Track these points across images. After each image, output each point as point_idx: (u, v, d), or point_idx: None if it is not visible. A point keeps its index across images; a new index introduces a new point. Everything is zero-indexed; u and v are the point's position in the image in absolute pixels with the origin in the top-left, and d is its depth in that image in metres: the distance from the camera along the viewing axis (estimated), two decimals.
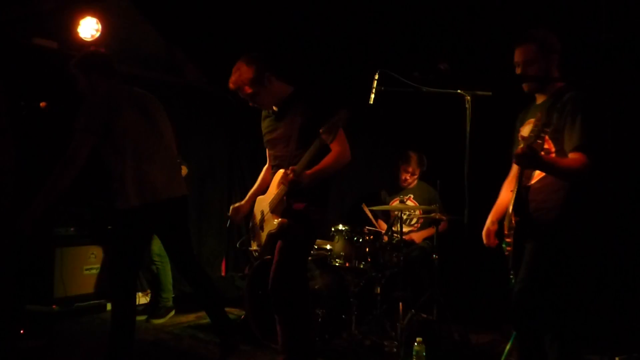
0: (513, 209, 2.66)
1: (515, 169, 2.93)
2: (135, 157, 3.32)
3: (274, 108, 3.16)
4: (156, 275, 4.84)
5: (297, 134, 3.01)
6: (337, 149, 2.97)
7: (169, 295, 4.86)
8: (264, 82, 3.03)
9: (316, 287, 4.06)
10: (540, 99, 2.83)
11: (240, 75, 3.04)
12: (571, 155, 2.51)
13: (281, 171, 2.98)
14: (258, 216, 3.26)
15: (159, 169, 3.36)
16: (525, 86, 2.81)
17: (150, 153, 3.36)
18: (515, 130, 2.98)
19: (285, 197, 2.95)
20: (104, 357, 3.25)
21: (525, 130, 2.75)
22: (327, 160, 2.96)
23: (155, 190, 3.30)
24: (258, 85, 3.03)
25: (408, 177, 4.78)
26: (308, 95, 3.11)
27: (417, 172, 4.79)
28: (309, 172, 2.89)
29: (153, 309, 4.83)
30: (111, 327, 3.24)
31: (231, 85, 3.10)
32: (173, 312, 4.85)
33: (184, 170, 4.58)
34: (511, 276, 2.71)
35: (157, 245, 4.71)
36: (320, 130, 2.74)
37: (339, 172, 3.05)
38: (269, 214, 3.06)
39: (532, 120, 2.60)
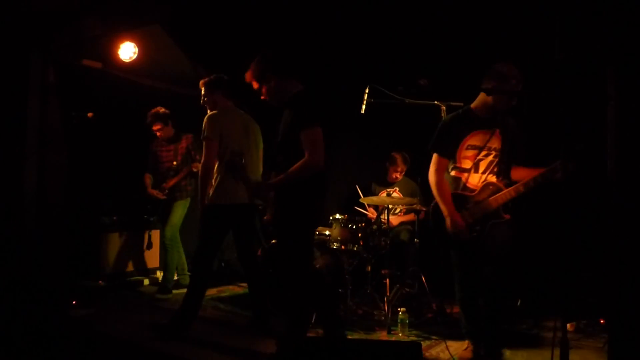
0: None
1: None
2: None
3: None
4: (164, 256, 4.76)
5: (283, 133, 2.79)
6: (306, 156, 2.65)
7: (171, 276, 4.66)
8: (265, 79, 2.85)
9: (317, 266, 4.04)
10: None
11: (250, 71, 2.93)
12: None
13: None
14: None
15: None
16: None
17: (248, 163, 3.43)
18: None
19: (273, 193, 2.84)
20: (175, 315, 3.41)
21: None
22: (295, 166, 2.67)
23: (236, 195, 3.40)
24: (261, 81, 2.88)
25: (398, 175, 4.75)
26: (300, 98, 2.79)
27: (404, 168, 4.76)
28: (274, 180, 2.78)
29: (159, 285, 4.75)
30: (186, 293, 3.47)
31: (246, 79, 2.97)
32: (171, 294, 4.58)
33: None
34: None
35: (170, 231, 4.65)
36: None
37: (307, 176, 2.67)
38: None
39: None
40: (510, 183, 2.92)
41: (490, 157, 2.94)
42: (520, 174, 2.93)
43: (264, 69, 2.85)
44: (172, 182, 4.66)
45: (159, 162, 4.77)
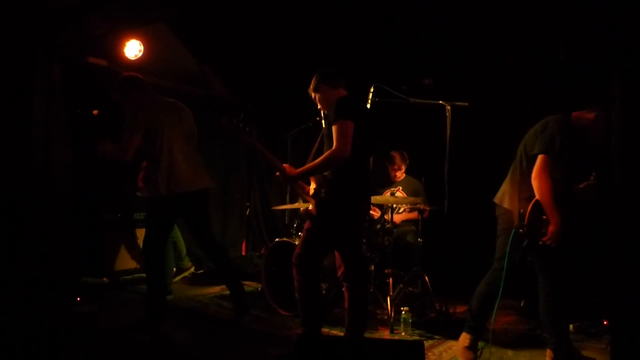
0: None
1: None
2: (169, 154, 3.37)
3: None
4: None
5: (326, 135, 2.96)
6: (333, 146, 2.78)
7: (167, 276, 4.48)
8: (319, 90, 3.06)
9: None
10: None
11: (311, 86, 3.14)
12: None
13: None
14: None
15: (186, 165, 3.42)
16: None
17: (180, 151, 3.41)
18: None
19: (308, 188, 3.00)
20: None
21: None
22: (319, 158, 2.83)
23: (179, 183, 3.39)
24: (315, 92, 3.09)
25: (397, 173, 4.77)
26: (339, 99, 2.95)
27: (403, 166, 4.76)
28: (296, 170, 2.91)
29: None
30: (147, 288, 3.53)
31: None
32: (171, 295, 4.47)
33: None
34: None
35: None
36: None
37: (333, 166, 2.82)
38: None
39: None
40: None
41: None
42: None
43: (318, 82, 3.08)
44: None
45: None
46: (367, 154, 3.01)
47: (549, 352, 2.92)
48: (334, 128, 2.79)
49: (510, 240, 2.86)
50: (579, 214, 2.83)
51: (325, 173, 2.91)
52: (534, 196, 2.81)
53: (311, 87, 3.12)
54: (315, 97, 3.12)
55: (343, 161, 2.77)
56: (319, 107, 3.15)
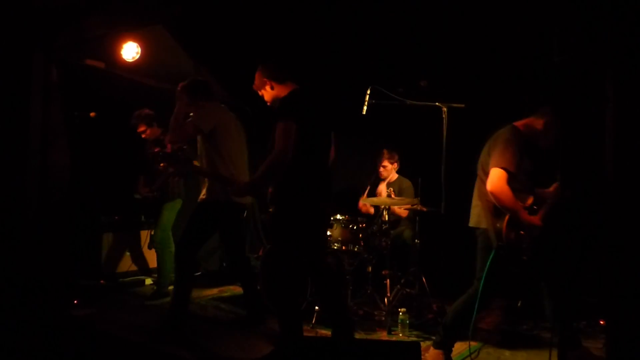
0: None
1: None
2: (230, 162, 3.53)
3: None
4: (159, 259, 4.65)
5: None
6: (273, 150, 2.65)
7: (164, 280, 4.50)
8: (264, 87, 2.99)
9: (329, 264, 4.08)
10: None
11: (255, 82, 3.07)
12: None
13: None
14: None
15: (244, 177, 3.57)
16: None
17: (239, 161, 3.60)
18: None
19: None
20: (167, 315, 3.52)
21: None
22: (262, 165, 2.70)
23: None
24: (260, 89, 3.02)
25: (381, 169, 4.77)
26: (285, 96, 2.86)
27: (387, 163, 4.75)
28: (249, 180, 2.90)
29: (154, 290, 4.61)
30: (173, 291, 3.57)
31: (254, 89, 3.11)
32: (168, 298, 4.29)
33: None
34: None
35: (159, 235, 4.54)
36: None
37: (277, 171, 2.67)
38: None
39: None
40: None
41: None
42: None
43: (260, 78, 2.99)
44: (157, 183, 4.66)
45: (150, 164, 4.72)
46: (322, 153, 2.86)
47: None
48: (276, 127, 2.66)
49: (489, 262, 2.82)
50: (559, 216, 2.84)
51: None
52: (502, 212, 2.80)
53: (255, 84, 3.02)
54: (262, 94, 3.03)
55: (285, 164, 2.61)
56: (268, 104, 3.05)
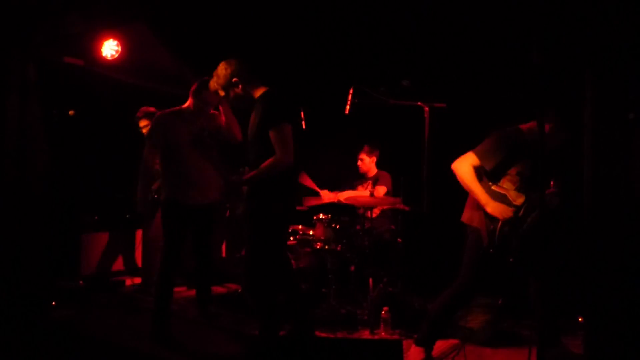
0: None
1: None
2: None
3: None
4: (147, 257, 4.63)
5: (253, 132, 2.86)
6: (277, 154, 2.73)
7: (152, 278, 4.44)
8: (231, 85, 2.92)
9: (301, 265, 4.07)
10: None
11: (214, 79, 2.98)
12: None
13: None
14: None
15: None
16: None
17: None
18: None
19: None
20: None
21: None
22: (266, 163, 2.75)
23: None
24: (227, 88, 2.94)
25: (359, 163, 4.76)
26: (268, 97, 2.86)
27: (365, 157, 4.73)
28: (246, 176, 2.83)
29: (140, 287, 4.62)
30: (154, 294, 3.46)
31: (210, 87, 3.03)
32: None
33: None
34: None
35: (154, 232, 4.47)
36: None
37: (278, 173, 2.75)
38: None
39: None
40: None
41: None
42: None
43: (229, 76, 2.90)
44: (156, 184, 4.61)
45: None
46: (297, 152, 2.87)
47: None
48: (272, 133, 2.70)
49: (478, 262, 2.87)
50: (548, 219, 2.86)
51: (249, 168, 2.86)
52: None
53: (220, 82, 2.93)
54: (224, 93, 2.96)
55: (289, 168, 2.72)
56: (229, 103, 3.04)
